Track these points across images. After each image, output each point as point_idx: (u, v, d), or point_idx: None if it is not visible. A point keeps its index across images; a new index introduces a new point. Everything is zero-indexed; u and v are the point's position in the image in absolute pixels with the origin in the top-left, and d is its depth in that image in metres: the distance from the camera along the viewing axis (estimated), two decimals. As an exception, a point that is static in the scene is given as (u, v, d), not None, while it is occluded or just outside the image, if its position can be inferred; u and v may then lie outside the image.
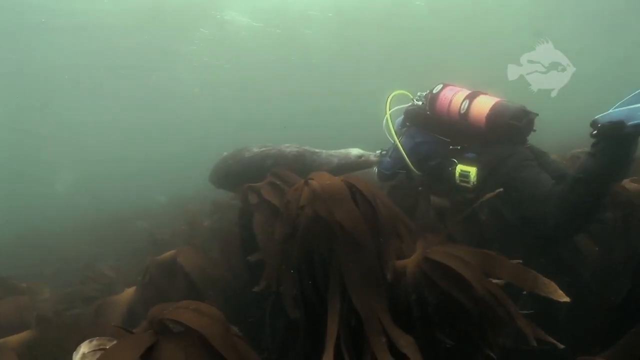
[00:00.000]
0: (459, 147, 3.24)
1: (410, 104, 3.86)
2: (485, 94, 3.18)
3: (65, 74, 21.34)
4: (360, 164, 3.88)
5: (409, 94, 3.97)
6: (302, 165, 3.79)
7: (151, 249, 5.35)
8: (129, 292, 2.61)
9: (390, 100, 3.83)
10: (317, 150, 3.99)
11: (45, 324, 2.57)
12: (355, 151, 3.90)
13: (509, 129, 2.92)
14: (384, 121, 4.09)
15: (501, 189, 2.24)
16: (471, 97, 3.11)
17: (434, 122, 3.41)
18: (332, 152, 3.96)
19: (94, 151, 35.14)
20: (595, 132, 2.31)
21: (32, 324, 2.75)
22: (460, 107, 3.13)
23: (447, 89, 3.34)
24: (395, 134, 3.96)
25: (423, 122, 3.52)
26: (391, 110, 3.91)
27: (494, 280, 1.97)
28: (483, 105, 3.02)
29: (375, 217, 2.06)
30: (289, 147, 3.94)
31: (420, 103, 3.72)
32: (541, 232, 2.67)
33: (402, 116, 4.00)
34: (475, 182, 3.02)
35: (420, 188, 3.58)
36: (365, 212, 2.04)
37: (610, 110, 2.27)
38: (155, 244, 5.44)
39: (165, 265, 2.47)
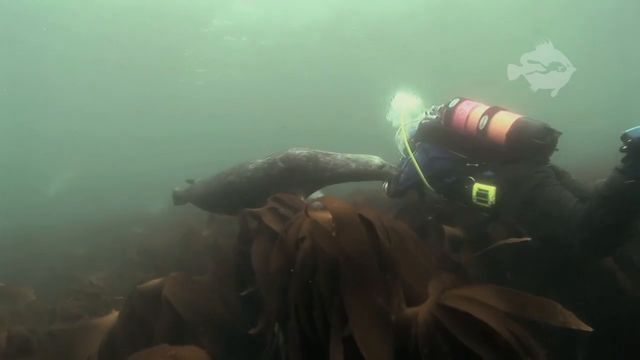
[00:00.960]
0: (476, 165, 3.11)
1: (423, 117, 3.72)
2: (505, 109, 3.04)
3: (63, 71, 21.19)
4: (380, 175, 3.64)
5: (422, 106, 3.86)
6: (315, 167, 3.55)
7: (144, 261, 5.16)
8: (111, 317, 2.37)
9: (405, 112, 3.74)
10: (331, 152, 3.72)
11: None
12: (377, 160, 3.65)
13: (531, 148, 2.78)
14: (397, 134, 3.91)
15: (528, 238, 2.05)
16: (490, 113, 2.98)
17: (450, 138, 3.29)
18: (350, 155, 3.71)
19: (94, 153, 35.02)
20: (625, 146, 2.15)
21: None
22: (478, 122, 3.00)
23: (464, 103, 3.21)
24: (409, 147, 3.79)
25: (439, 136, 3.38)
26: (405, 124, 3.77)
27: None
28: (503, 121, 2.89)
29: (385, 251, 1.84)
30: (299, 150, 3.69)
31: (433, 117, 3.59)
32: (565, 254, 2.54)
33: (413, 130, 3.85)
34: (493, 202, 2.90)
35: (430, 217, 3.38)
36: (374, 243, 1.83)
37: None
38: (148, 254, 5.24)
39: (149, 296, 2.22)
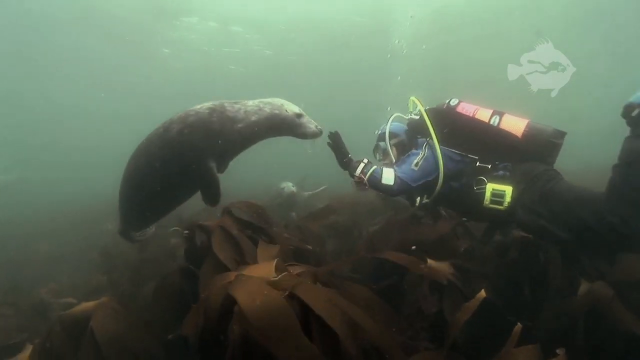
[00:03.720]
0: (489, 166, 2.87)
1: (412, 113, 3.33)
2: (510, 113, 2.96)
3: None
4: (298, 126, 3.20)
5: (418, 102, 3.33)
6: (221, 119, 3.02)
7: (106, 263, 4.75)
8: (23, 357, 1.95)
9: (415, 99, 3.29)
10: (241, 100, 3.24)
11: None
12: (295, 108, 3.23)
13: (547, 147, 2.79)
14: (385, 127, 3.34)
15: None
16: (500, 113, 2.90)
17: (460, 132, 2.97)
18: (264, 99, 3.27)
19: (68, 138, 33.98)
20: (635, 112, 2.20)
21: None
22: (489, 120, 2.89)
23: (464, 103, 3.06)
24: (392, 144, 3.31)
25: (447, 129, 2.99)
26: (391, 119, 3.34)
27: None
28: (516, 121, 2.85)
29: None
30: (201, 105, 3.15)
31: (417, 117, 3.24)
32: (604, 236, 2.36)
33: (398, 127, 3.40)
34: (510, 203, 2.70)
35: (413, 247, 2.97)
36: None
37: None
38: (109, 256, 4.82)
39: (74, 326, 1.85)
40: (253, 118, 3.09)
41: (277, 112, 3.17)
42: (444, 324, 2.31)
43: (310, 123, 3.26)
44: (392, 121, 3.43)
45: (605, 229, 2.32)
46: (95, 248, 5.81)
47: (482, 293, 1.89)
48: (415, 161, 2.99)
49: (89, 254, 5.75)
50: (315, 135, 3.27)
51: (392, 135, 3.35)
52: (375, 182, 2.97)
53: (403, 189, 2.96)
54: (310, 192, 7.58)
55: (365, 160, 3.08)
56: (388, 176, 2.96)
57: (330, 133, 3.17)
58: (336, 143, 3.16)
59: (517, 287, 2.72)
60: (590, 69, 20.56)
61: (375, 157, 3.58)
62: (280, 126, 3.21)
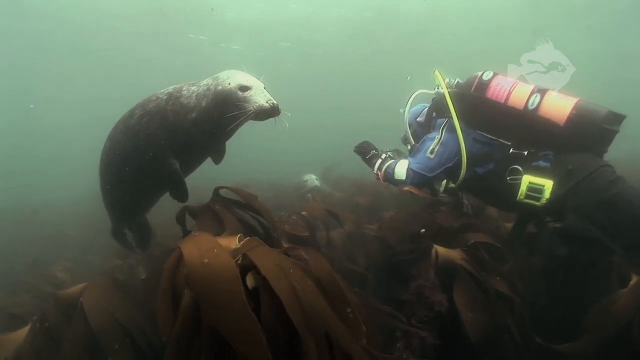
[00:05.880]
0: (525, 153, 2.55)
1: (434, 91, 3.03)
2: (552, 90, 2.59)
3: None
4: (243, 100, 2.47)
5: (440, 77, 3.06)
6: (174, 108, 2.61)
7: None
8: (22, 333, 2.03)
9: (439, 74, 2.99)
10: (200, 80, 2.81)
11: None
12: (241, 78, 2.57)
13: (599, 135, 2.40)
14: (405, 110, 3.15)
15: None
16: (541, 92, 2.53)
17: (489, 114, 2.64)
18: (217, 74, 2.73)
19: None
20: None
21: None
22: (527, 100, 2.53)
23: (500, 77, 2.70)
24: (412, 131, 3.16)
25: (474, 111, 2.67)
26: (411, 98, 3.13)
27: None
28: (561, 102, 2.46)
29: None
30: (165, 89, 2.83)
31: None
32: None
33: (419, 108, 3.22)
34: (548, 199, 2.40)
35: (422, 230, 2.73)
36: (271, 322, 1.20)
37: None
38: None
39: (67, 305, 1.93)
40: (204, 103, 2.58)
41: (220, 88, 2.57)
42: (454, 314, 2.17)
43: (258, 97, 2.49)
44: (416, 99, 3.18)
45: None
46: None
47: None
48: (431, 148, 2.77)
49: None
50: (263, 111, 2.47)
51: (412, 119, 3.19)
52: (390, 179, 2.94)
53: (418, 181, 2.78)
54: (329, 191, 7.59)
55: (383, 156, 3.06)
56: (400, 170, 2.83)
57: (355, 147, 3.30)
58: (360, 148, 3.26)
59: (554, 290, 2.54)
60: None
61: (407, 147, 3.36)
62: (226, 105, 2.53)
